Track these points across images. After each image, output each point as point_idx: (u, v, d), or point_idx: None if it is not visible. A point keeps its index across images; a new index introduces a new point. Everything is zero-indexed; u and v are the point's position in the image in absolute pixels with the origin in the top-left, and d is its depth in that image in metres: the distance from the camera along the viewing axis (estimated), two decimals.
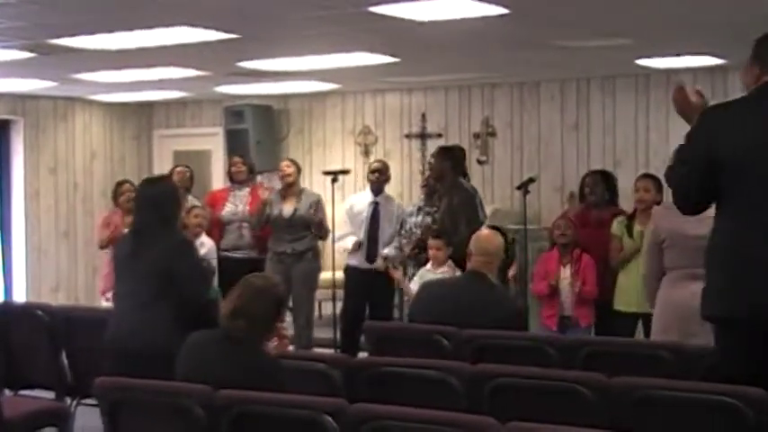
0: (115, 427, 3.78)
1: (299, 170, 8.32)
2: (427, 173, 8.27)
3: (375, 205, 8.13)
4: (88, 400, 5.46)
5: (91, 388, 3.91)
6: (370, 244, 8.06)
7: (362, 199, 8.25)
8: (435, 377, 4.07)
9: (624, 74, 9.49)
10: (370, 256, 8.07)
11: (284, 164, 8.36)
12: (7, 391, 5.81)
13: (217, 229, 8.25)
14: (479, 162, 10.35)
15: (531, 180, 7.56)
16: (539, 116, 10.12)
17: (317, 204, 8.12)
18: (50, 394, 5.79)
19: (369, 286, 7.99)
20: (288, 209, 8.06)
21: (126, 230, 6.90)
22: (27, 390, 5.89)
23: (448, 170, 7.55)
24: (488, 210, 9.58)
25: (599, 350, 4.64)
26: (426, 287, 5.67)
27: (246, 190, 8.47)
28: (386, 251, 7.98)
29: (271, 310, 3.98)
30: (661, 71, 9.15)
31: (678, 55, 8.23)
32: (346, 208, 8.28)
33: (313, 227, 8.05)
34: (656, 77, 9.42)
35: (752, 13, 6.18)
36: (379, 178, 8.17)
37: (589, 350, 4.60)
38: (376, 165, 8.36)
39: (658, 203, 6.83)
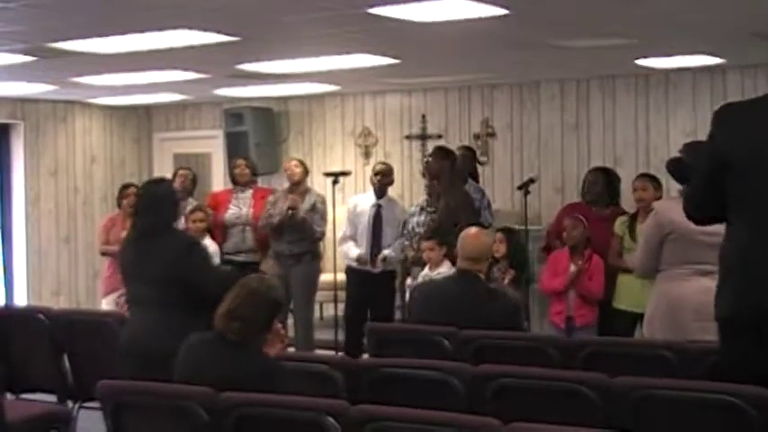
0: (118, 429, 3.78)
1: (306, 171, 8.32)
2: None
3: (378, 208, 8.10)
4: (90, 404, 5.48)
5: (93, 391, 3.91)
6: (372, 247, 8.04)
7: (366, 200, 8.22)
8: (437, 378, 4.07)
9: (624, 74, 9.49)
10: (373, 259, 8.05)
11: (293, 163, 8.34)
12: (9, 395, 5.81)
13: (219, 231, 8.24)
14: (480, 163, 10.32)
15: (532, 180, 7.56)
16: (538, 116, 10.12)
17: (315, 206, 8.10)
18: (52, 398, 5.80)
19: (369, 288, 7.98)
20: (297, 199, 8.04)
21: (124, 233, 6.90)
22: (29, 393, 5.90)
23: (446, 170, 7.52)
24: None
25: (600, 350, 4.65)
26: (418, 288, 5.63)
27: (249, 192, 8.46)
28: (386, 252, 7.97)
29: (266, 311, 3.96)
30: (660, 71, 9.15)
31: (677, 55, 8.23)
32: (349, 207, 8.25)
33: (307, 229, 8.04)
34: (656, 77, 9.42)
35: (751, 14, 6.19)
36: (381, 180, 8.14)
37: (590, 350, 4.60)
38: (380, 167, 8.30)
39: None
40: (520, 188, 7.48)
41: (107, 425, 3.83)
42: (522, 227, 8.08)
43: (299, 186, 8.19)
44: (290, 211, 7.91)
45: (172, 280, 4.95)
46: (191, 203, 8.26)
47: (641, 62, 8.54)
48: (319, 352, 7.88)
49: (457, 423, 3.13)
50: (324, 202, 8.22)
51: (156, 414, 3.74)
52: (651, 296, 5.56)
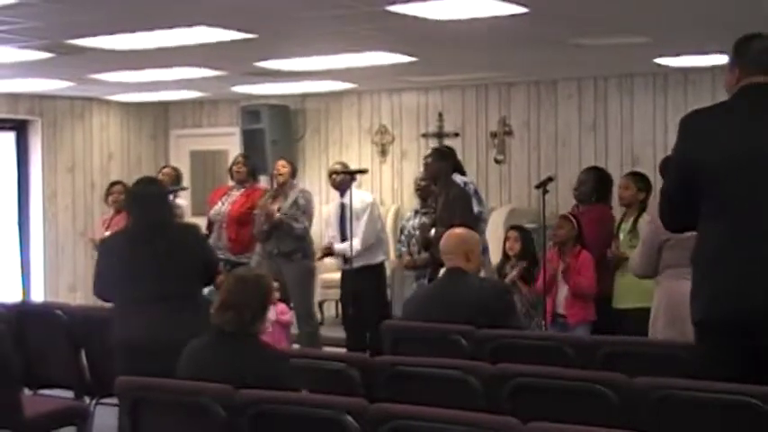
0: (136, 426, 3.78)
1: (293, 171, 8.36)
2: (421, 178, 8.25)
3: (341, 207, 8.17)
4: (107, 400, 5.49)
5: (110, 387, 3.92)
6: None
7: (333, 204, 8.34)
8: (454, 377, 4.05)
9: (642, 72, 9.46)
10: (345, 257, 8.12)
11: (280, 164, 8.37)
12: (26, 390, 5.82)
13: (209, 226, 8.35)
14: (497, 161, 10.34)
15: (550, 179, 7.52)
16: (556, 115, 10.09)
17: (297, 201, 8.12)
18: (69, 393, 5.81)
19: (358, 287, 8.07)
20: (273, 208, 8.07)
21: (109, 232, 6.88)
22: (46, 389, 5.91)
23: (444, 170, 7.62)
24: (506, 209, 9.61)
25: (617, 350, 4.62)
26: (411, 299, 5.74)
27: (241, 191, 8.46)
28: (336, 246, 8.12)
29: (258, 298, 4.01)
30: (679, 70, 9.11)
31: (696, 53, 8.20)
32: (324, 217, 8.31)
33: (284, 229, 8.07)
34: (674, 76, 9.38)
35: None
36: (335, 180, 8.21)
37: (607, 350, 4.58)
38: (335, 167, 8.38)
39: (642, 201, 6.84)
40: (538, 187, 7.44)
41: (125, 421, 3.84)
42: (538, 225, 8.06)
43: (284, 186, 8.21)
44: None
45: (194, 267, 5.03)
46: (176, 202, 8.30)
47: (660, 61, 8.51)
48: (333, 350, 7.86)
49: (477, 422, 3.11)
50: (306, 197, 8.25)
51: (174, 410, 3.74)
52: (654, 298, 5.56)
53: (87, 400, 5.75)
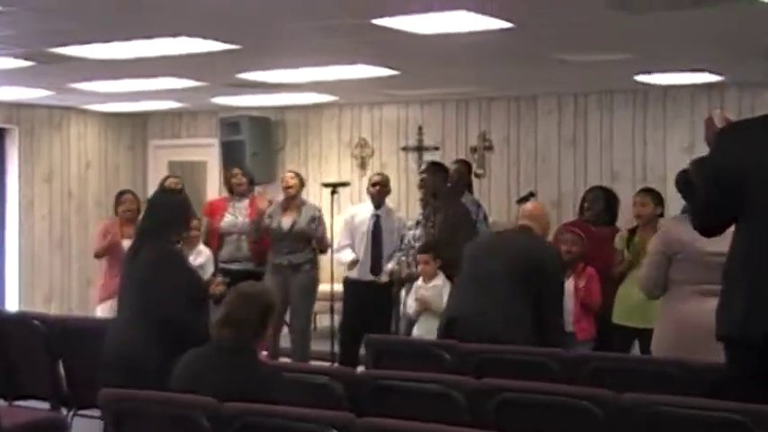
0: None
1: (302, 183, 8.28)
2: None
3: (376, 218, 8.07)
4: (84, 411, 5.43)
5: (87, 399, 3.88)
6: (373, 257, 8.00)
7: (364, 211, 8.17)
8: (438, 391, 4.04)
9: (622, 89, 9.50)
10: (374, 269, 8.00)
11: (288, 175, 8.32)
12: (2, 401, 5.75)
13: (215, 239, 8.22)
14: (476, 176, 10.30)
15: (532, 194, 7.54)
16: (536, 130, 10.12)
17: (318, 218, 8.10)
18: (46, 405, 5.74)
19: (368, 299, 7.94)
20: (287, 221, 8.02)
21: (126, 242, 6.87)
22: (22, 400, 5.84)
23: (440, 185, 7.57)
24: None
25: (603, 366, 4.62)
26: (473, 245, 6.07)
27: (246, 201, 8.41)
28: (389, 266, 7.94)
29: (257, 315, 3.97)
30: (659, 87, 9.16)
31: (677, 71, 8.24)
32: (346, 218, 8.20)
33: (314, 242, 8.06)
34: (654, 93, 9.43)
35: (750, 32, 6.19)
36: (380, 191, 8.11)
37: (593, 366, 4.57)
38: (377, 177, 8.28)
39: (659, 216, 6.82)
40: (519, 202, 7.45)
41: None
42: None
43: (294, 199, 8.17)
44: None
45: (141, 287, 4.92)
46: None
47: (640, 78, 8.55)
48: (315, 363, 7.82)
49: None
50: (321, 212, 8.23)
51: (159, 423, 3.70)
52: (660, 316, 5.47)
53: (64, 411, 5.69)
